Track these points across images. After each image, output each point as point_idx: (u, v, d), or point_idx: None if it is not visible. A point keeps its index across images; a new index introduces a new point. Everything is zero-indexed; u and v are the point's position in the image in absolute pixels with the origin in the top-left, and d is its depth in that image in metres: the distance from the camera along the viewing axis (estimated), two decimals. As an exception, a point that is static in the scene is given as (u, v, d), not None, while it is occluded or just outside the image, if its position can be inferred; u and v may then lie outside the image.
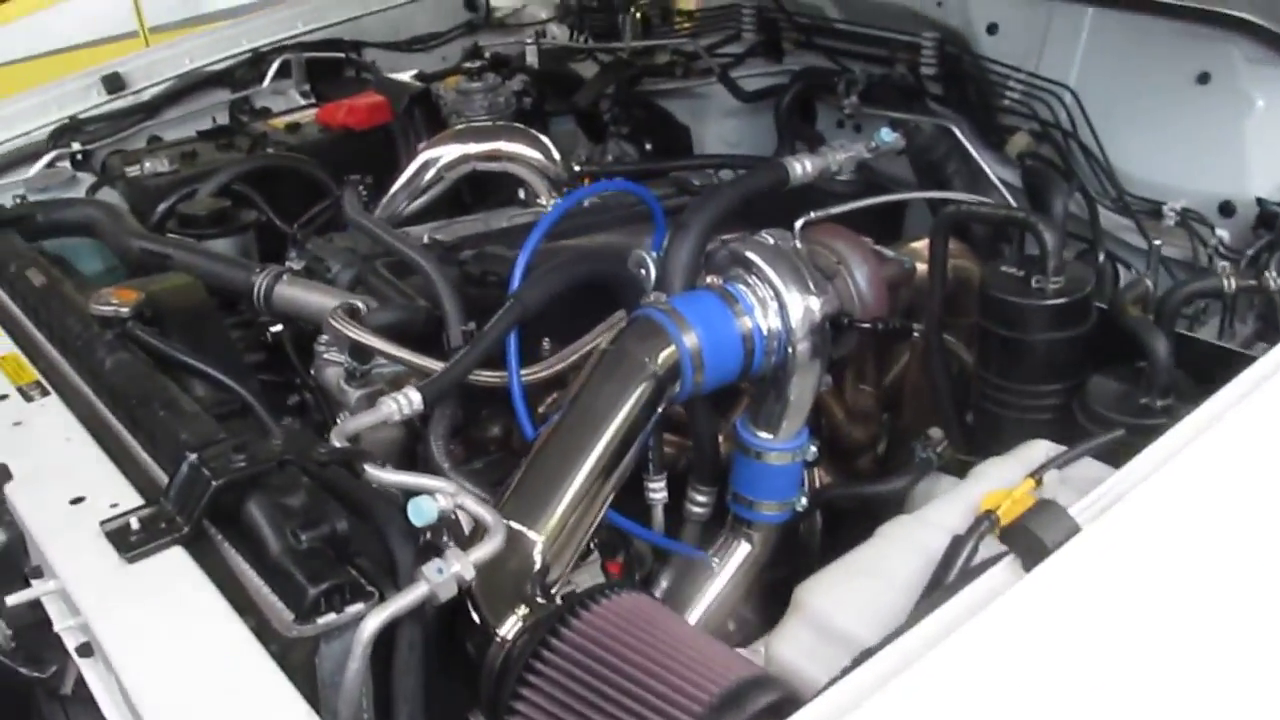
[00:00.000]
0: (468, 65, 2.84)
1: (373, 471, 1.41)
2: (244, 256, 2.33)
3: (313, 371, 1.98)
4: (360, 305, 1.89)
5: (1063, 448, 1.54)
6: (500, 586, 1.43)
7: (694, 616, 1.90)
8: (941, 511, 1.47)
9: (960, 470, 1.93)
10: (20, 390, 1.70)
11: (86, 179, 2.64)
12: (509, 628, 1.36)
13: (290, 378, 2.10)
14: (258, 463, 1.37)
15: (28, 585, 1.37)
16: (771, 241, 1.78)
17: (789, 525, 1.90)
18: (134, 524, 1.35)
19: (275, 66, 3.03)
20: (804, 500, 1.88)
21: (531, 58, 3.02)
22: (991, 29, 2.27)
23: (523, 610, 1.38)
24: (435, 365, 1.74)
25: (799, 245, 1.82)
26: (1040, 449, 1.56)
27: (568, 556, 1.55)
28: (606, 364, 1.67)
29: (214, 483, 1.34)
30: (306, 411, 2.07)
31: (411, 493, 1.35)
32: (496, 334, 1.66)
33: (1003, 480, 1.49)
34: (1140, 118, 2.06)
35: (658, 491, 1.91)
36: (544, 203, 2.50)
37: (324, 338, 1.94)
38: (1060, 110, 2.15)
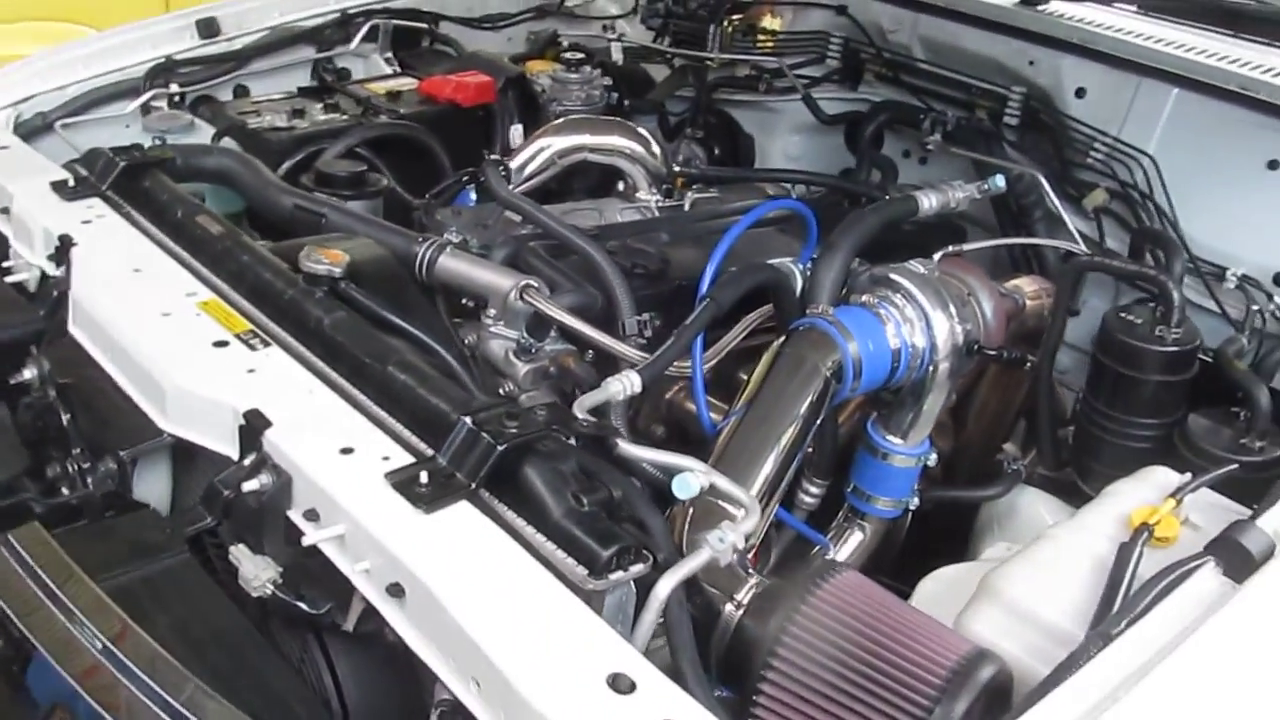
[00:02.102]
0: (566, 56, 2.97)
1: (626, 446, 1.58)
2: (374, 220, 2.45)
3: (469, 341, 2.12)
4: (537, 283, 2.04)
5: (1181, 475, 1.82)
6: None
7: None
8: (1094, 520, 1.71)
9: (1047, 486, 2.20)
10: (240, 339, 1.80)
11: (204, 126, 2.70)
12: (745, 593, 1.55)
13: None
14: (530, 429, 1.53)
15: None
16: (923, 269, 2.00)
17: (896, 520, 2.14)
18: (423, 477, 1.49)
19: (364, 31, 3.11)
20: (916, 500, 2.11)
21: (617, 54, 3.17)
22: (1080, 93, 2.53)
23: (753, 579, 1.57)
24: (627, 349, 1.91)
25: (939, 273, 2.05)
26: (1160, 474, 1.82)
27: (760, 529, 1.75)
28: (785, 366, 1.87)
29: (498, 447, 1.49)
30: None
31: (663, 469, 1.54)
32: (696, 329, 1.85)
33: (1136, 499, 1.75)
34: (1210, 191, 2.35)
35: (814, 498, 2.11)
36: (644, 197, 2.67)
37: (492, 311, 2.08)
38: (1139, 174, 2.42)
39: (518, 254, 2.20)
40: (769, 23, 3.09)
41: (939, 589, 1.95)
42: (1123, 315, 1.96)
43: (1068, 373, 2.52)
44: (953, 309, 1.97)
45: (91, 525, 1.59)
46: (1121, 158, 2.44)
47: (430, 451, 1.55)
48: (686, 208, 2.69)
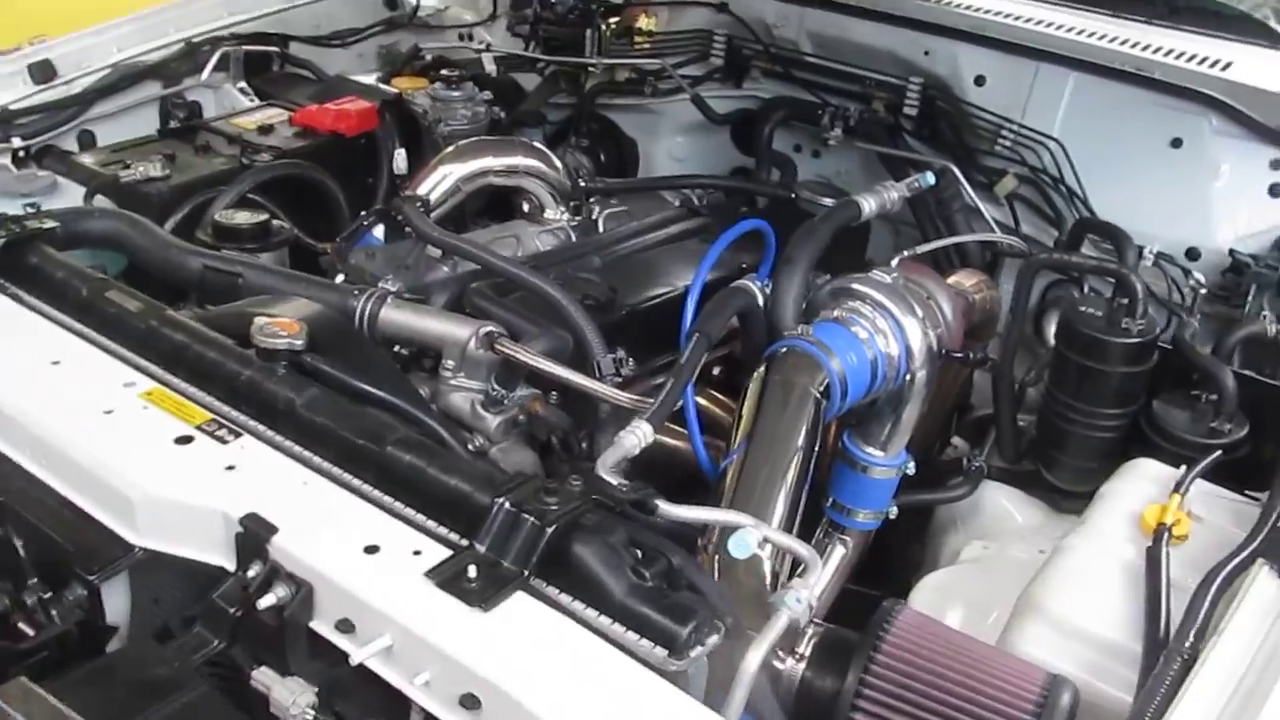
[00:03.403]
0: (445, 73, 2.83)
1: (666, 508, 1.50)
2: (280, 271, 2.27)
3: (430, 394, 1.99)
4: (498, 329, 1.93)
5: (1159, 464, 1.87)
6: (744, 604, 1.58)
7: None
8: (1107, 523, 1.74)
9: (1004, 478, 2.24)
10: (204, 431, 1.62)
11: (67, 184, 2.44)
12: (805, 645, 1.51)
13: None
14: (572, 503, 1.43)
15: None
16: (889, 278, 1.99)
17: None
18: (471, 571, 1.38)
19: (214, 60, 2.88)
20: (895, 509, 2.11)
21: (490, 65, 3.04)
22: (979, 80, 2.57)
23: (809, 630, 1.52)
24: (621, 395, 1.82)
25: (902, 280, 2.04)
26: (1148, 467, 1.88)
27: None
28: (777, 394, 1.83)
29: (548, 530, 1.39)
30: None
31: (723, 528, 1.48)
32: (693, 365, 1.78)
33: (1138, 496, 1.79)
34: (1118, 172, 2.43)
35: None
36: (551, 216, 2.58)
37: (450, 362, 1.96)
38: (1046, 158, 2.49)
39: (462, 297, 2.08)
40: (645, 23, 3.02)
41: (934, 597, 1.97)
42: (1083, 309, 2.00)
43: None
44: (920, 313, 1.97)
45: (85, 671, 1.40)
46: (1028, 143, 2.50)
47: (464, 540, 1.43)
48: (600, 225, 2.61)
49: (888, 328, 1.95)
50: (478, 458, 1.96)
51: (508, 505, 1.41)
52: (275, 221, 2.29)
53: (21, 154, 2.54)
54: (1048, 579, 1.64)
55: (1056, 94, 2.49)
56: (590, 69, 3.03)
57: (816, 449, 1.84)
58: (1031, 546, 2.03)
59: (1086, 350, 1.98)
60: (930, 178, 2.34)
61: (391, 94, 2.80)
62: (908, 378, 1.96)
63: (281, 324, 1.73)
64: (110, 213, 2.22)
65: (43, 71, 2.66)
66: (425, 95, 2.83)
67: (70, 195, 2.40)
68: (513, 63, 3.11)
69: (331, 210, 2.52)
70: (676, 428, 2.13)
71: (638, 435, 1.63)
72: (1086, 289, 2.32)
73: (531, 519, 1.40)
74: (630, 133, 3.15)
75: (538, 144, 2.61)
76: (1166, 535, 1.62)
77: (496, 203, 2.72)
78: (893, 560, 2.41)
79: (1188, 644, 1.38)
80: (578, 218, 2.60)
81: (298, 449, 1.62)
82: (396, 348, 2.06)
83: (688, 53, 3.00)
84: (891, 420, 2.00)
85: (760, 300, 2.10)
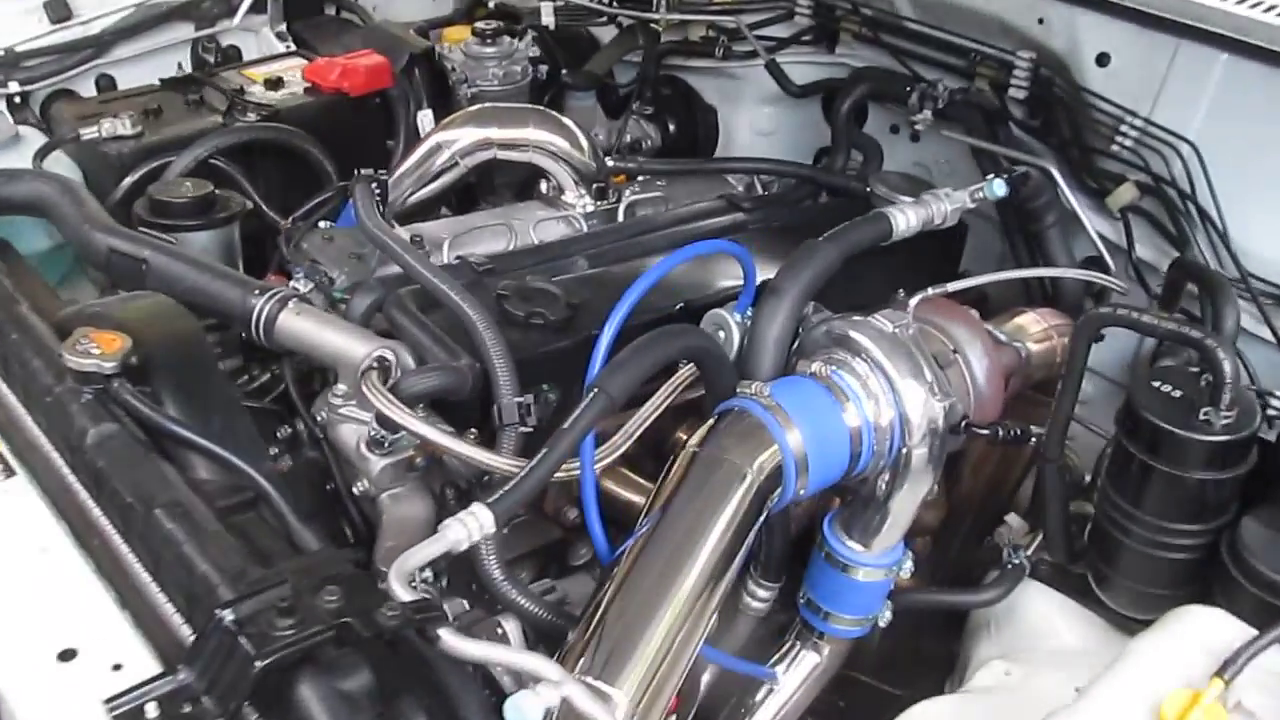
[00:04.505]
0: (479, 26, 2.47)
1: (450, 640, 1.14)
2: (227, 252, 2.00)
3: (321, 419, 1.68)
4: (391, 356, 1.59)
5: (1231, 622, 1.35)
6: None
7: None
8: (1112, 705, 1.26)
9: (1057, 579, 1.74)
10: (-22, 463, 1.38)
11: (33, 136, 2.25)
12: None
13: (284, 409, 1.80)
14: (310, 628, 1.09)
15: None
16: (890, 328, 1.53)
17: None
18: (150, 711, 1.06)
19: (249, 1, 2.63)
20: (888, 614, 1.66)
21: (547, 16, 2.66)
22: (1102, 59, 2.01)
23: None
24: (492, 459, 1.46)
25: (914, 330, 1.57)
26: (1202, 622, 1.36)
27: (659, 708, 1.31)
28: (698, 473, 1.41)
29: (257, 664, 1.06)
30: (299, 446, 1.78)
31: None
32: (577, 433, 1.38)
33: (1171, 669, 1.29)
34: (1269, 188, 1.84)
35: (763, 602, 1.68)
36: (570, 200, 2.20)
37: (341, 387, 1.64)
38: (1176, 165, 1.91)
39: (384, 305, 1.74)
40: (728, -27, 2.57)
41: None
42: (1156, 385, 1.48)
43: (1089, 403, 2.05)
44: (929, 376, 1.50)
45: None
46: (1155, 144, 1.93)
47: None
48: (620, 214, 2.21)
49: (881, 390, 1.50)
50: (366, 503, 1.65)
51: (228, 621, 1.09)
52: (228, 195, 2.01)
53: (18, 99, 2.36)
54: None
55: (1199, 82, 1.90)
56: (657, 24, 2.61)
57: (748, 549, 1.43)
58: (1069, 677, 1.54)
59: (1153, 445, 1.46)
60: (999, 187, 1.83)
61: (420, 46, 2.47)
62: (901, 456, 1.50)
63: (101, 338, 1.45)
64: (40, 175, 2.00)
65: (58, 9, 2.46)
66: (459, 50, 2.49)
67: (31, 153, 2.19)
68: (575, 13, 2.70)
69: (322, 183, 2.22)
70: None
71: (468, 527, 1.26)
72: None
73: (247, 645, 1.07)
74: (710, 100, 2.71)
75: (564, 119, 2.22)
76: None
77: (536, 177, 2.36)
78: (925, 652, 1.96)
79: None
80: (600, 203, 2.21)
81: (80, 497, 1.35)
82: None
83: (772, 10, 2.52)
84: (880, 510, 1.55)
85: (736, 339, 1.67)
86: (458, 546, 1.26)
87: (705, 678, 1.69)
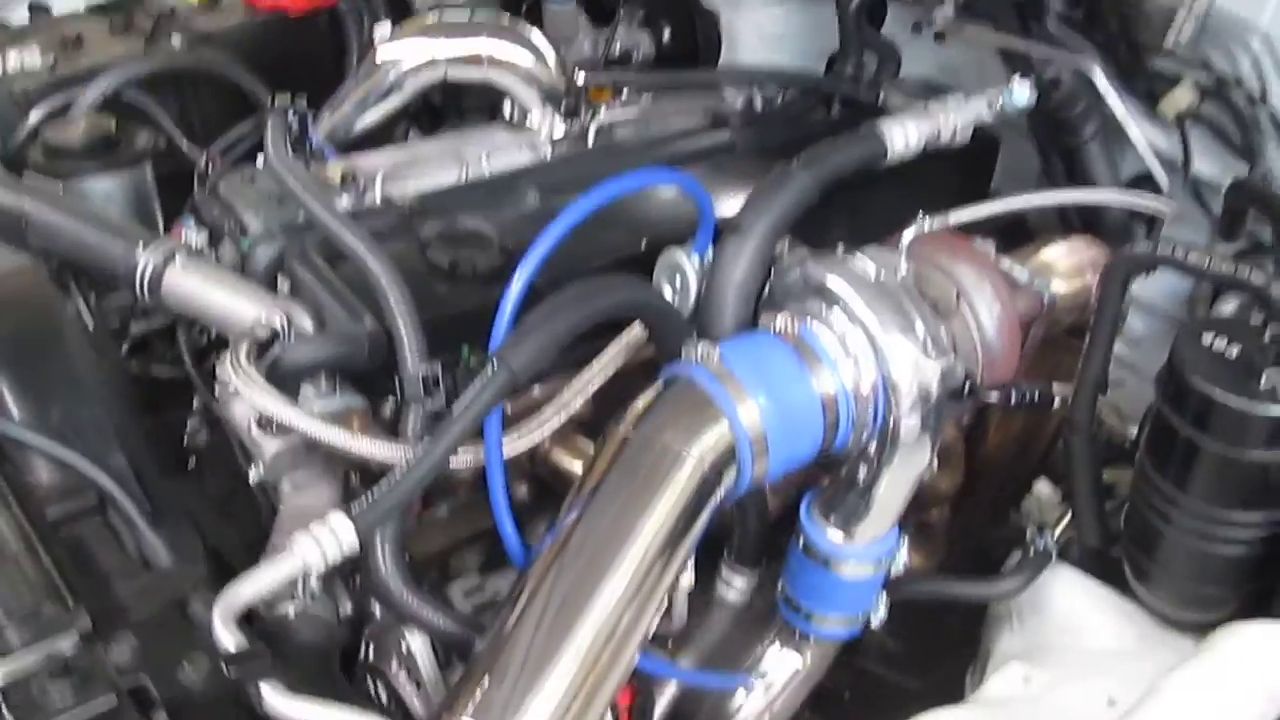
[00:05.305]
0: (438, -82, 2.18)
1: (271, 699, 0.90)
2: (139, 200, 1.76)
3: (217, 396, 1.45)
4: (279, 325, 1.35)
5: None
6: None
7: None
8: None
9: (1087, 564, 1.46)
10: None
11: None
12: None
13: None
14: (91, 696, 0.86)
15: None
16: (873, 271, 1.24)
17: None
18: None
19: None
20: (882, 611, 1.40)
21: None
22: (1151, -68, 1.67)
23: None
24: (376, 448, 1.21)
25: (906, 272, 1.28)
26: (1255, 645, 1.08)
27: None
28: (628, 461, 1.15)
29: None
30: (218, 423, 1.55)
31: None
32: (468, 421, 1.13)
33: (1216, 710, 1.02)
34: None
35: (740, 591, 1.44)
36: (534, 124, 1.91)
37: (230, 356, 1.40)
38: (1244, 61, 1.57)
39: (284, 256, 1.49)
40: None
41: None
42: (1207, 339, 1.17)
43: (1138, 344, 1.74)
44: (921, 331, 1.22)
45: None
46: (1220, 37, 1.59)
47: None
48: (590, 138, 1.92)
49: (862, 350, 1.22)
50: (262, 495, 1.42)
51: (-11, 685, 0.86)
52: (130, 131, 1.77)
53: (-69, 33, 2.13)
54: None
55: (1274, -46, 1.55)
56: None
57: (694, 546, 1.17)
58: (1101, 686, 1.30)
59: (1201, 417, 1.16)
60: (1020, 93, 1.52)
61: (372, -47, 2.18)
62: (887, 429, 1.22)
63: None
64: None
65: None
66: (420, -47, 2.20)
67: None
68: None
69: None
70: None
71: (322, 546, 1.01)
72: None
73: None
74: (710, 2, 2.39)
75: (522, 26, 1.93)
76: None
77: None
78: (946, 642, 1.70)
79: None
80: (574, 124, 1.93)
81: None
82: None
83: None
84: (863, 494, 1.27)
85: (692, 286, 1.40)
86: (310, 571, 1.01)
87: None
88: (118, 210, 1.75)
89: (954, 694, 1.46)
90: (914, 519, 1.75)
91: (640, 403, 1.19)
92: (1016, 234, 1.74)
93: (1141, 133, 1.66)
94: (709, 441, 1.15)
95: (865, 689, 1.76)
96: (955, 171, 1.82)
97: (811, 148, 1.42)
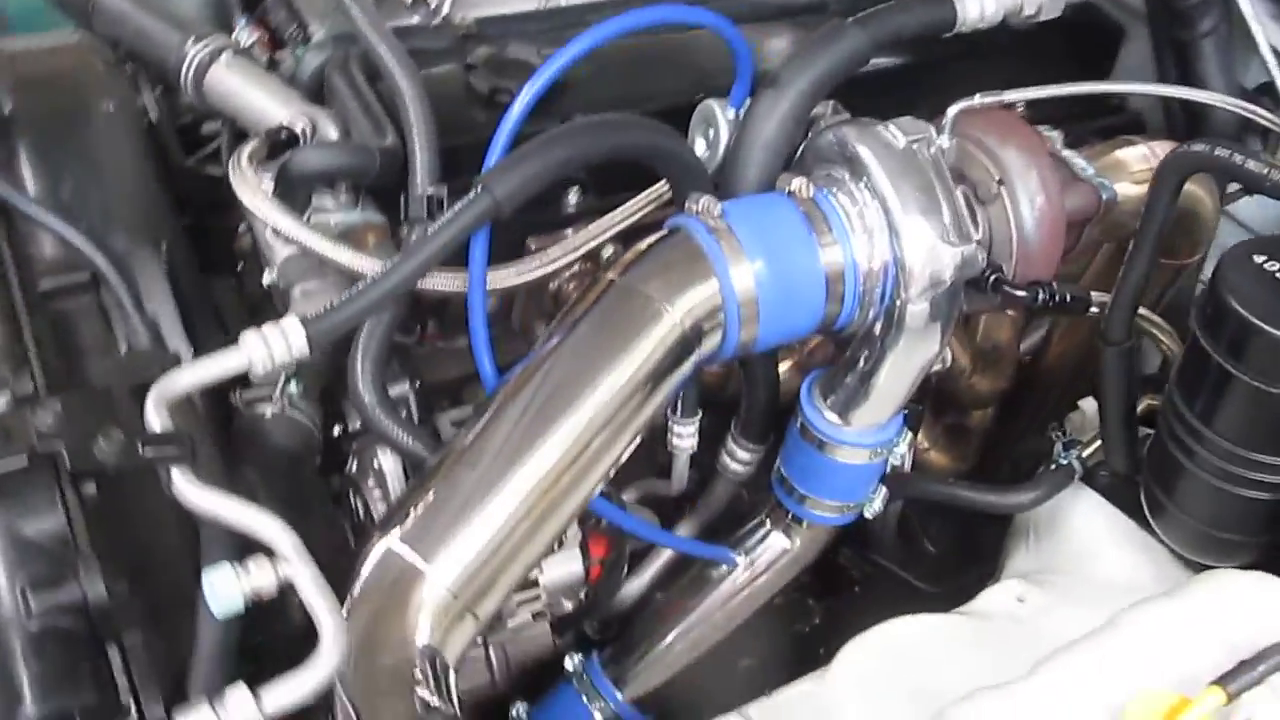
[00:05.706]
0: None
1: (180, 484, 0.90)
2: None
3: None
4: (301, 130, 1.33)
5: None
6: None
7: (703, 614, 1.43)
8: (1062, 698, 0.92)
9: (1115, 492, 1.37)
10: None
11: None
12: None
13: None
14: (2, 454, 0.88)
15: None
16: (902, 141, 1.14)
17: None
18: None
19: None
20: (879, 503, 1.34)
21: None
22: None
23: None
24: (356, 260, 1.19)
25: (946, 146, 1.19)
26: (1234, 594, 0.99)
27: (502, 586, 1.05)
28: (607, 306, 1.11)
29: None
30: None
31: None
32: (444, 239, 1.09)
33: (1169, 653, 0.94)
34: None
35: (685, 438, 1.40)
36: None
37: (246, 151, 1.39)
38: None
39: (328, 67, 1.47)
40: None
41: (864, 668, 1.24)
42: (1258, 259, 1.05)
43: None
44: (947, 213, 1.13)
45: None
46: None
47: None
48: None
49: (878, 225, 1.13)
50: (275, 299, 1.42)
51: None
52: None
53: None
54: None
55: None
56: None
57: (664, 405, 1.13)
58: (1097, 617, 1.21)
59: (1236, 344, 1.05)
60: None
61: None
62: (894, 310, 1.15)
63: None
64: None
65: None
66: None
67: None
68: None
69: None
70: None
71: (270, 346, 1.00)
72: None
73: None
74: None
75: None
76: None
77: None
78: (975, 555, 1.64)
79: None
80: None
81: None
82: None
83: None
84: (863, 379, 1.20)
85: (722, 140, 1.32)
86: (253, 370, 1.01)
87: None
88: (194, 6, 1.74)
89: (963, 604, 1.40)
90: (953, 419, 1.67)
91: (631, 253, 1.15)
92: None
93: (1266, 35, 1.49)
94: (694, 299, 1.09)
95: (877, 586, 1.71)
96: (1070, 59, 1.68)
97: (876, 7, 1.31)
